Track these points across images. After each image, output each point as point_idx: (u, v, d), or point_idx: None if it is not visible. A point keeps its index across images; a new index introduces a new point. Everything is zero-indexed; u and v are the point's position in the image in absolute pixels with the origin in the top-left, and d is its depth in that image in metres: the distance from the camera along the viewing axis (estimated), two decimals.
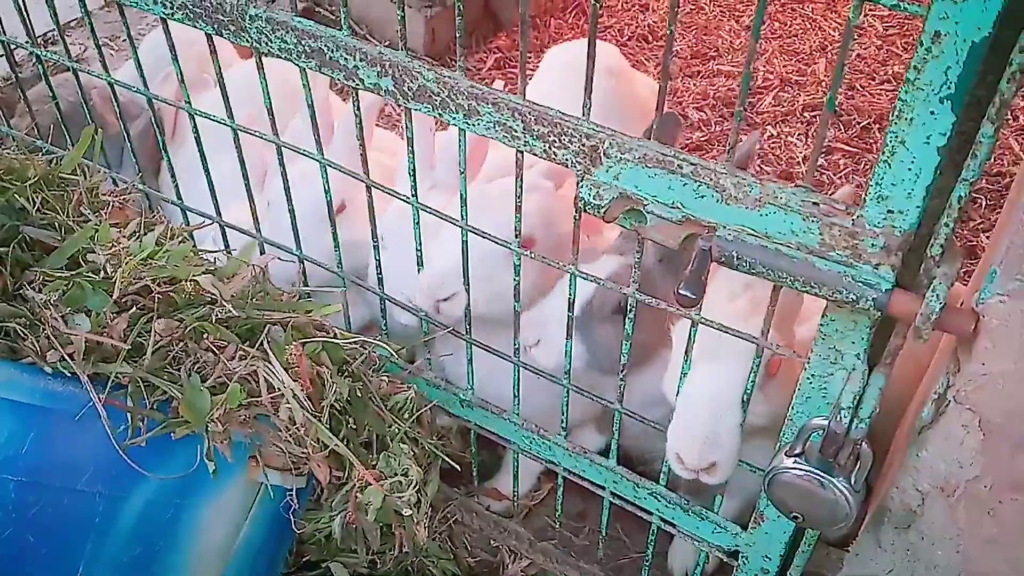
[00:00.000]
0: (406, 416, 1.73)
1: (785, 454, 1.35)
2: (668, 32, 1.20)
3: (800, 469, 1.32)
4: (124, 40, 2.35)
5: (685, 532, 1.78)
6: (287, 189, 1.81)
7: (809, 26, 4.26)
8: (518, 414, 1.88)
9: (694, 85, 3.91)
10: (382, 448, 1.67)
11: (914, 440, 1.30)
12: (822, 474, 1.30)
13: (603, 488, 1.86)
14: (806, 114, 3.78)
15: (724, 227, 1.24)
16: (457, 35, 1.42)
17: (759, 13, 1.11)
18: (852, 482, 1.28)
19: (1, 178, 1.62)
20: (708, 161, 1.25)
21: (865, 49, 4.06)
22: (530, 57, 4.14)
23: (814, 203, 1.17)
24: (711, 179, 1.23)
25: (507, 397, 1.87)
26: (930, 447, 1.29)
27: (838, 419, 1.22)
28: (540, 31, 4.29)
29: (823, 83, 3.91)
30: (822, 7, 4.36)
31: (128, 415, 1.34)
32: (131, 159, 2.09)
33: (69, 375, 1.34)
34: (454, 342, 1.92)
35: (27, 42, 2.01)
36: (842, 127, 3.66)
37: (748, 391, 1.46)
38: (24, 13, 2.00)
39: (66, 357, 1.30)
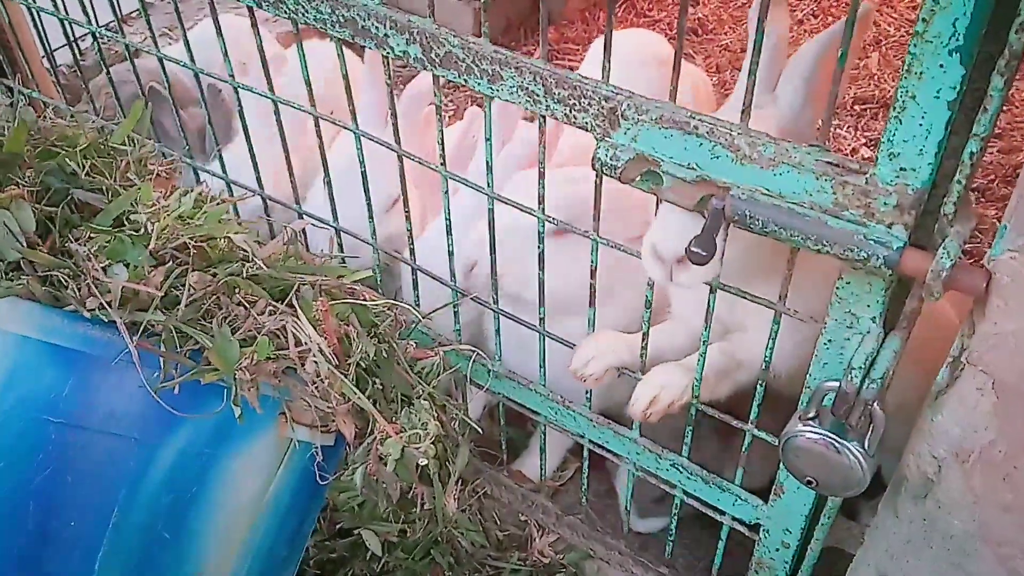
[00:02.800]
0: (432, 381, 1.76)
1: (799, 418, 1.36)
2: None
3: (814, 432, 1.33)
4: (179, 30, 2.44)
5: (707, 503, 1.79)
6: (325, 165, 1.88)
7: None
8: (544, 384, 1.91)
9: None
10: (406, 407, 1.71)
11: (930, 404, 1.30)
12: (835, 437, 1.30)
13: (626, 459, 1.88)
14: (856, 107, 3.75)
15: (738, 187, 1.25)
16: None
17: None
18: (866, 446, 1.29)
19: (53, 143, 1.69)
20: (723, 121, 1.26)
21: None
22: (577, 49, 4.18)
23: (828, 162, 1.18)
24: (726, 139, 1.24)
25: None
26: (945, 412, 1.28)
27: (850, 379, 1.23)
28: (588, 24, 4.32)
29: (875, 77, 3.87)
30: (877, 2, 4.31)
31: (161, 360, 1.40)
32: (189, 141, 2.18)
33: (107, 323, 1.40)
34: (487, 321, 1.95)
35: (89, 25, 2.11)
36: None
37: None
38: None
39: (104, 304, 1.36)
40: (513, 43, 4.09)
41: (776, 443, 1.52)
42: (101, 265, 1.41)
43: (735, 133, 1.24)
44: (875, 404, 1.23)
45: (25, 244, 1.45)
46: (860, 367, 1.21)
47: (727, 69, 3.96)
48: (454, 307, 1.94)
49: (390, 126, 1.74)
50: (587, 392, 1.84)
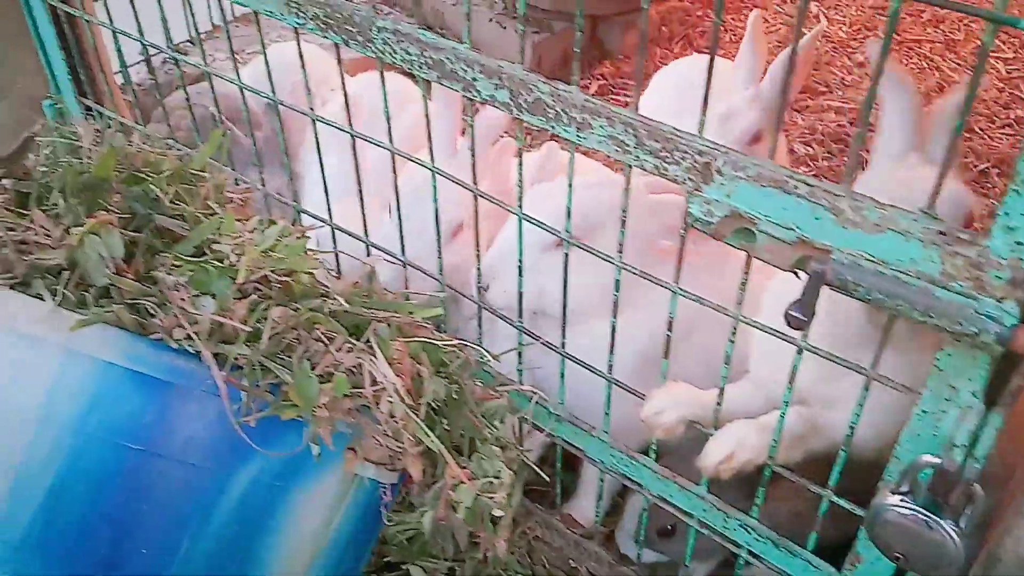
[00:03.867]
0: (497, 423, 1.75)
1: (890, 491, 1.32)
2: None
3: (906, 508, 1.29)
4: (249, 53, 2.46)
5: (774, 568, 1.75)
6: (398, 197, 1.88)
7: (926, 65, 4.18)
8: (607, 432, 1.89)
9: (801, 120, 3.87)
10: (472, 451, 1.70)
11: None
12: (929, 514, 1.26)
13: (691, 516, 1.85)
14: None
15: (839, 250, 1.23)
16: (575, 50, 1.46)
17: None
18: (962, 524, 1.25)
19: (139, 169, 1.71)
20: (825, 182, 1.24)
21: (986, 92, 3.96)
22: (631, 84, 4.17)
23: (937, 231, 1.15)
24: (828, 201, 1.22)
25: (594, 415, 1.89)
26: None
27: (951, 457, 1.19)
28: (646, 60, 4.31)
29: None
30: (940, 47, 4.28)
31: (243, 394, 1.40)
32: (258, 163, 2.19)
33: (191, 352, 1.40)
34: (548, 356, 1.94)
35: (168, 46, 2.13)
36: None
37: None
38: (165, 23, 2.14)
39: (192, 335, 1.37)
40: (569, 77, 4.09)
41: (850, 507, 1.51)
42: (188, 295, 1.41)
43: (838, 195, 1.22)
44: (975, 483, 1.20)
45: (114, 270, 1.46)
46: (963, 444, 1.18)
47: (785, 110, 3.94)
48: (519, 346, 1.93)
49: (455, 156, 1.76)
50: (652, 442, 1.81)
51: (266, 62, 1.95)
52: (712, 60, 1.33)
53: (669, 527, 2.06)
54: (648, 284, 1.57)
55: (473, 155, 1.72)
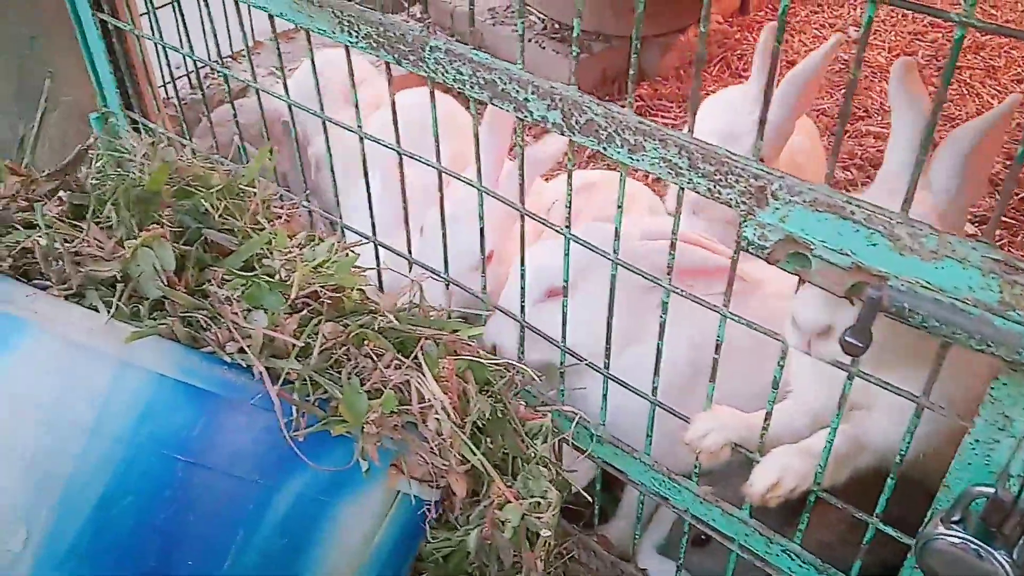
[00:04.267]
0: (539, 443, 1.75)
1: (940, 520, 1.31)
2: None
3: (957, 537, 1.27)
4: (290, 69, 2.48)
5: None
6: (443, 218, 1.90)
7: (966, 91, 4.15)
8: (649, 454, 1.88)
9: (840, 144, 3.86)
10: (515, 471, 1.70)
11: None
12: (982, 544, 1.25)
13: (732, 540, 1.83)
14: None
15: (896, 277, 1.22)
16: (631, 72, 1.46)
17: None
18: (1015, 555, 1.23)
19: (189, 183, 1.73)
20: (882, 208, 1.24)
21: None
22: (670, 106, 4.18)
23: (995, 259, 1.15)
24: (886, 227, 1.22)
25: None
26: None
27: (1006, 487, 1.18)
28: (683, 82, 4.33)
29: None
30: (981, 74, 4.26)
31: (293, 408, 1.41)
32: (302, 179, 2.22)
33: (243, 366, 1.42)
34: (588, 377, 1.94)
35: (216, 61, 2.17)
36: (999, 197, 3.54)
37: None
38: (215, 37, 2.17)
39: (245, 348, 1.38)
40: (607, 97, 4.11)
41: (897, 535, 1.49)
42: (240, 310, 1.42)
43: (895, 222, 1.22)
44: None
45: (166, 283, 1.47)
46: (1019, 475, 1.17)
47: (824, 135, 3.92)
48: (560, 366, 1.93)
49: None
50: (696, 466, 1.80)
51: (316, 81, 1.97)
52: (771, 84, 1.33)
53: (703, 536, 2.04)
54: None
55: (522, 177, 1.72)
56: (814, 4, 4.95)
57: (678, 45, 4.42)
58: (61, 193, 1.62)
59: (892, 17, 4.76)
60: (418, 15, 4.49)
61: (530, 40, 4.23)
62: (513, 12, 4.38)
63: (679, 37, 4.42)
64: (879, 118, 4.00)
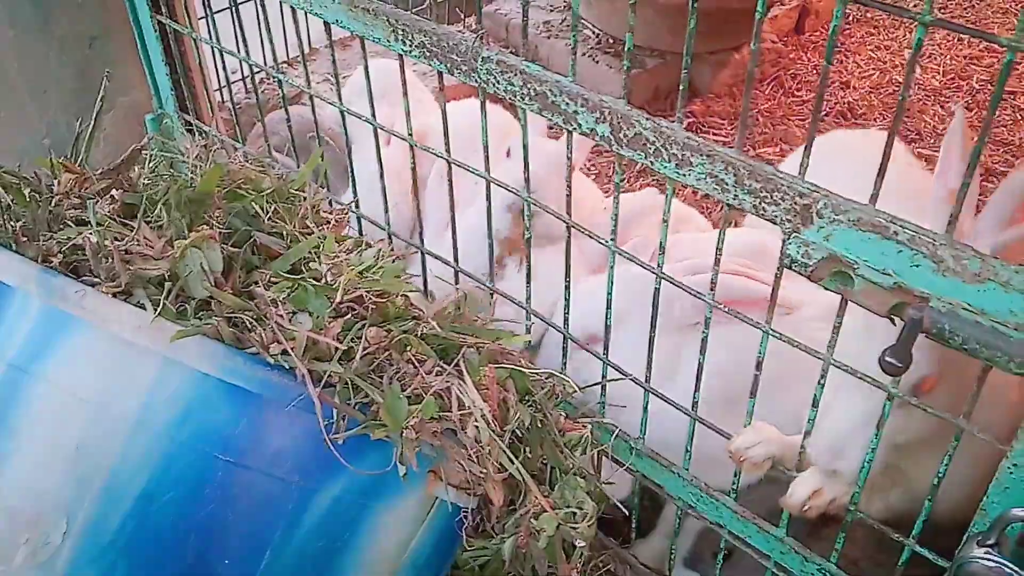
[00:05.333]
0: (579, 454, 1.76)
1: (976, 543, 1.29)
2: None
3: (992, 561, 1.26)
4: (344, 76, 2.51)
5: None
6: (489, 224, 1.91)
7: (1020, 117, 4.09)
8: (688, 468, 1.88)
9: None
10: (553, 481, 1.71)
11: None
12: (1016, 568, 1.24)
13: (768, 558, 1.82)
14: None
15: (938, 299, 1.22)
16: (680, 87, 1.47)
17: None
18: None
19: (240, 186, 1.77)
20: (926, 230, 1.23)
21: None
22: (722, 123, 4.17)
23: None
24: (929, 248, 1.21)
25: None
26: None
27: None
28: (736, 99, 4.31)
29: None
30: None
31: (334, 411, 1.43)
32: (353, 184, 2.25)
33: (285, 368, 1.44)
34: (628, 393, 1.94)
35: (271, 67, 2.21)
36: None
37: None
38: (271, 43, 2.22)
39: (289, 350, 1.40)
40: (659, 112, 4.10)
41: (933, 557, 1.47)
42: (286, 312, 1.45)
43: (939, 243, 1.21)
44: None
45: (213, 283, 1.51)
46: None
47: None
48: (603, 379, 1.93)
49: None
50: (735, 480, 1.79)
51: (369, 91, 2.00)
52: (819, 104, 1.32)
53: (728, 551, 2.03)
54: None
55: (569, 188, 1.74)
56: (870, 26, 4.90)
57: (732, 63, 4.40)
58: (113, 192, 1.66)
59: (948, 41, 4.69)
60: (473, 26, 4.54)
61: (584, 54, 4.25)
62: (568, 25, 4.41)
63: (733, 55, 4.41)
64: (931, 140, 3.95)
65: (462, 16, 4.69)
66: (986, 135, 1.17)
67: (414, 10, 1.75)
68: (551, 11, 4.61)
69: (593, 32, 4.41)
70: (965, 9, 5.10)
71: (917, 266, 1.23)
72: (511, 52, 1.66)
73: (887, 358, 1.22)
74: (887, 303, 1.27)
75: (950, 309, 1.20)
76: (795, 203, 1.34)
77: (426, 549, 1.70)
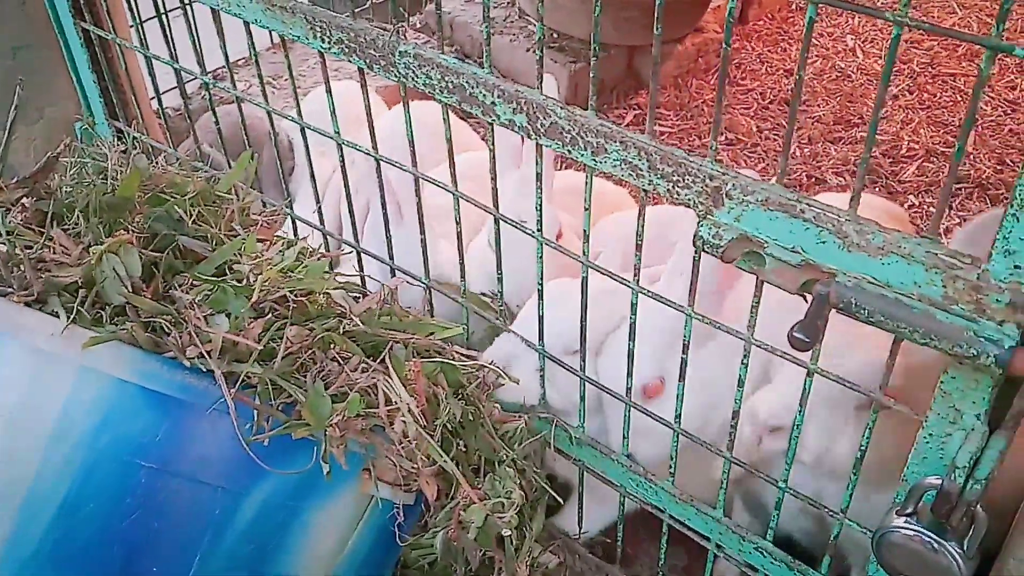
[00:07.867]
0: (515, 446, 1.76)
1: (896, 513, 1.31)
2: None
3: (911, 529, 1.28)
4: (285, 79, 2.50)
5: None
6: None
7: (960, 98, 4.15)
8: (627, 455, 1.88)
9: (835, 151, 3.86)
10: (490, 473, 1.71)
11: None
12: (934, 536, 1.26)
13: (708, 540, 1.84)
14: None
15: (844, 273, 1.23)
16: (591, 75, 1.48)
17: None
18: (965, 547, 1.24)
19: (163, 190, 1.76)
20: (831, 207, 1.25)
21: (1019, 124, 3.93)
22: (668, 114, 4.19)
23: (938, 254, 1.15)
24: (833, 225, 1.23)
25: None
26: None
27: (952, 479, 1.19)
28: (681, 90, 4.33)
29: (971, 155, 3.79)
30: (975, 80, 4.24)
31: (255, 413, 1.42)
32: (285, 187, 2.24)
33: (204, 371, 1.43)
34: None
35: (201, 73, 2.19)
36: (988, 201, 3.54)
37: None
38: (199, 50, 2.20)
39: (204, 353, 1.39)
40: (605, 105, 4.12)
41: (863, 531, 1.49)
42: (203, 314, 1.44)
43: (843, 220, 1.23)
44: (977, 505, 1.19)
45: (131, 289, 1.49)
46: (964, 466, 1.17)
47: (819, 141, 3.93)
48: (540, 371, 1.93)
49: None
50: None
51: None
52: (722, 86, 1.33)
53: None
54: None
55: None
56: None
57: (676, 54, 4.43)
58: (25, 200, 1.64)
59: (889, 25, 4.74)
60: (418, 24, 4.53)
61: (528, 49, 4.26)
62: (511, 22, 4.41)
63: (677, 47, 4.44)
64: None
65: (405, 15, 4.68)
66: (970, 127, 1.19)
67: (357, 10, 1.73)
68: (495, 7, 4.61)
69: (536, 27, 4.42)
70: None
71: (823, 242, 1.25)
72: (455, 50, 1.66)
73: (795, 334, 1.23)
74: (797, 280, 1.28)
75: (856, 283, 1.22)
76: (706, 186, 1.35)
77: (364, 549, 1.70)
